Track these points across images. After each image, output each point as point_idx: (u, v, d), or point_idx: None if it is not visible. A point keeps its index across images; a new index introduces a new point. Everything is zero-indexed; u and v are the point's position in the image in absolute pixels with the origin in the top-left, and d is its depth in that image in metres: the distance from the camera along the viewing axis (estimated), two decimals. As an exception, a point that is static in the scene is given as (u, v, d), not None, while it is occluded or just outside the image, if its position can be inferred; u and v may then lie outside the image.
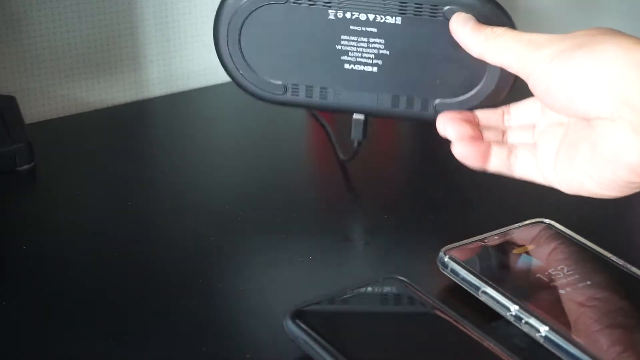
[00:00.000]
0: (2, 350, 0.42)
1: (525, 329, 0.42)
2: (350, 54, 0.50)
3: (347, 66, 0.50)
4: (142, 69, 0.76)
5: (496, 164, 0.47)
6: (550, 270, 0.44)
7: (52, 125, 0.69)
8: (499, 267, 0.45)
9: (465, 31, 0.46)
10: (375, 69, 0.50)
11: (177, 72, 0.78)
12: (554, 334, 0.40)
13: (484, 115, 0.50)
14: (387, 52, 0.50)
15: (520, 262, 0.45)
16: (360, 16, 0.49)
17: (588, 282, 0.44)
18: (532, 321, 0.41)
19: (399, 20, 0.49)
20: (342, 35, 0.50)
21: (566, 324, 0.41)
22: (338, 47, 0.50)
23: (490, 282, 0.44)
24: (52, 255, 0.51)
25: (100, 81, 0.74)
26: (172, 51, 0.77)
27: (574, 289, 0.43)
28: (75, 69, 0.73)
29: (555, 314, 0.41)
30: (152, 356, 0.42)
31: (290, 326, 0.41)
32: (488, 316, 0.44)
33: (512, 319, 0.42)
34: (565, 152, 0.43)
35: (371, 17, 0.49)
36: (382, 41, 0.50)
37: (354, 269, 0.48)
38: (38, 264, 0.50)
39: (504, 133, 0.49)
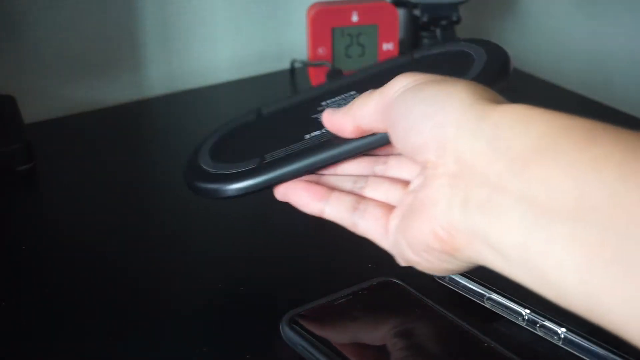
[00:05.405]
0: (2, 350, 0.42)
1: (541, 332, 0.40)
2: None
3: None
4: (142, 69, 0.76)
5: (332, 212, 0.41)
6: None
7: (52, 125, 0.69)
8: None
9: (333, 120, 0.41)
10: None
11: (177, 72, 0.78)
12: (572, 334, 0.39)
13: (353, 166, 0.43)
14: None
15: None
16: None
17: None
18: (548, 324, 0.40)
19: None
20: None
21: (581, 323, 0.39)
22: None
23: (495, 288, 0.43)
24: (52, 255, 0.51)
25: (100, 81, 0.74)
26: (172, 51, 0.77)
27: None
28: (75, 69, 0.73)
29: (567, 314, 0.40)
30: (153, 356, 0.42)
31: (287, 332, 0.41)
32: (485, 317, 0.43)
33: (524, 324, 0.41)
34: (403, 214, 0.37)
35: None
36: None
37: (350, 272, 0.48)
38: (38, 264, 0.50)
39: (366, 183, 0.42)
